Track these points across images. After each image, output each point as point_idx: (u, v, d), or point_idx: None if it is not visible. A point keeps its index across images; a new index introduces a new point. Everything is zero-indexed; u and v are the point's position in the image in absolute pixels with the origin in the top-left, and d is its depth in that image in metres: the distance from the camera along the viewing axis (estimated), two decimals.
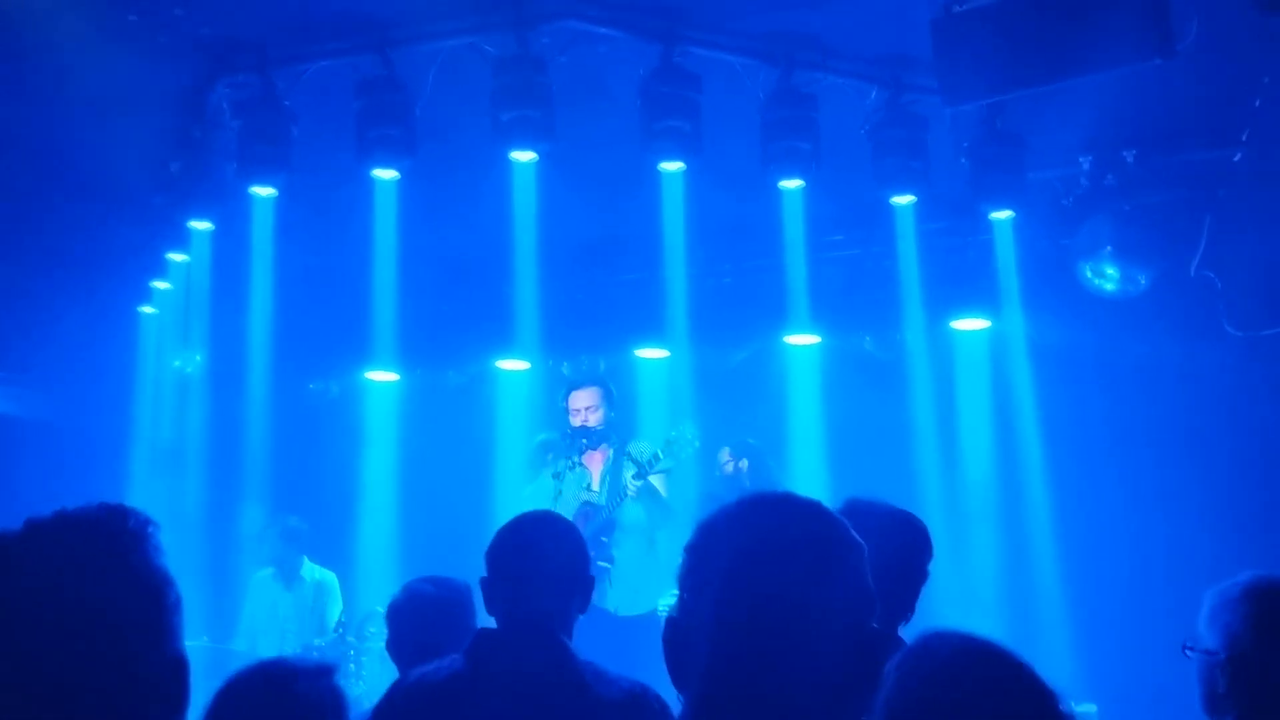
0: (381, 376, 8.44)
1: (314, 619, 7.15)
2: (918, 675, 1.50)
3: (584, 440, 6.18)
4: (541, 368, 8.38)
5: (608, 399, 6.34)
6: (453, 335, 8.43)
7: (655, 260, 7.15)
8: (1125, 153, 6.60)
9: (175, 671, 1.39)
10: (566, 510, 5.97)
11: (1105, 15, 4.55)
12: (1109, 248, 6.61)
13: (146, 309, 7.69)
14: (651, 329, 7.78)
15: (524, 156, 5.77)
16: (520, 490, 6.82)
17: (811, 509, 1.45)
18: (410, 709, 2.65)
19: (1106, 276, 6.67)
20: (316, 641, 6.67)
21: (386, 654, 3.65)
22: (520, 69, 5.35)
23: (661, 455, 5.96)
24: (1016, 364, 7.26)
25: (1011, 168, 6.08)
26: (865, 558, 1.43)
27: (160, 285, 7.32)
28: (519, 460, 7.48)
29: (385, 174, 5.99)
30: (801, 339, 7.75)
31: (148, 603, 1.37)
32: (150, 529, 1.40)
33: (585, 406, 6.27)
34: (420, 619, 3.47)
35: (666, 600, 6.03)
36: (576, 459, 6.14)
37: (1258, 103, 5.97)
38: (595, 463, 6.26)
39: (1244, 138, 6.35)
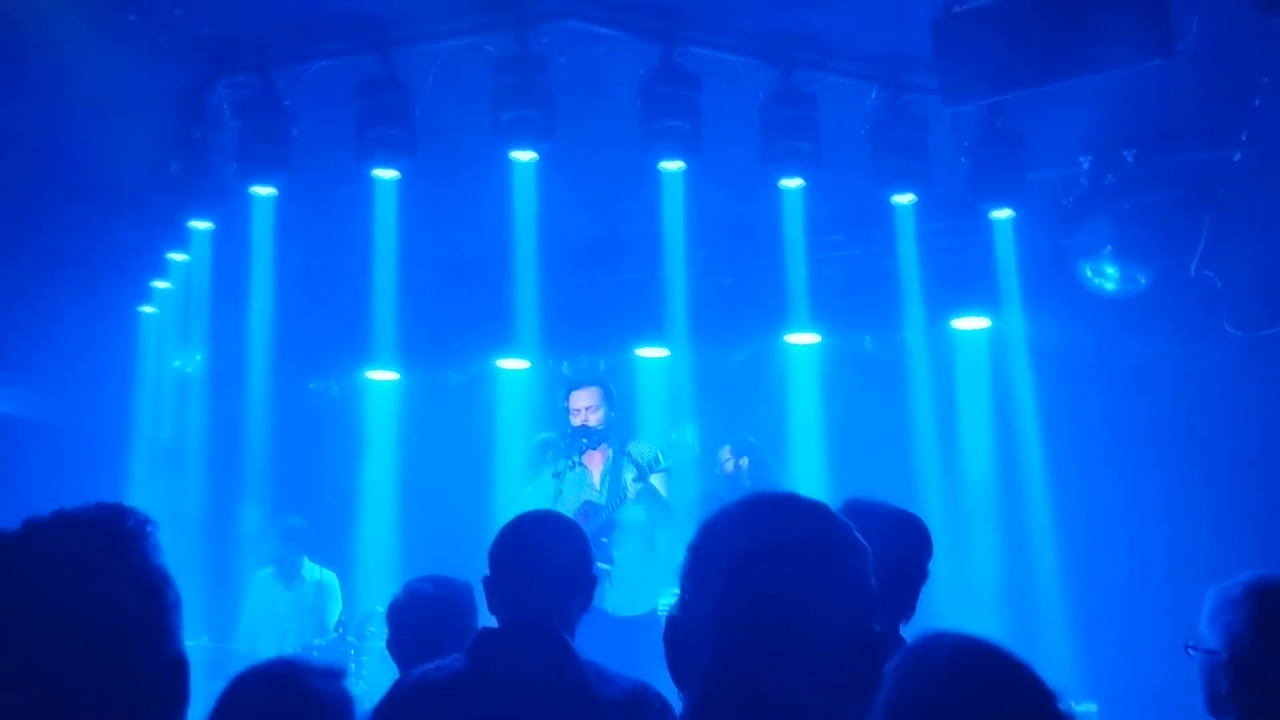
0: (381, 376, 8.44)
1: (314, 618, 7.15)
2: (917, 676, 1.50)
3: (584, 440, 6.19)
4: (541, 367, 8.39)
5: (608, 399, 6.34)
6: (453, 335, 8.43)
7: (655, 260, 7.15)
8: (1125, 152, 6.60)
9: (175, 671, 1.39)
10: (567, 510, 5.97)
11: (1105, 15, 4.55)
12: (1109, 247, 6.62)
13: (146, 309, 7.69)
14: (651, 328, 7.79)
15: (524, 156, 5.77)
16: (520, 490, 6.82)
17: (814, 509, 1.45)
18: (411, 708, 2.65)
19: (1106, 276, 6.68)
20: (317, 641, 6.66)
21: (386, 654, 3.65)
22: (520, 69, 5.35)
23: (662, 457, 5.96)
24: (1016, 363, 7.26)
25: (1011, 167, 6.08)
26: (868, 559, 1.42)
27: (160, 285, 7.32)
28: (519, 460, 7.48)
29: (385, 174, 5.99)
30: (802, 338, 7.75)
31: (147, 602, 1.37)
32: (149, 528, 1.40)
33: (586, 406, 6.27)
34: (421, 618, 3.47)
35: (666, 600, 6.03)
36: (577, 459, 6.14)
37: (1257, 102, 5.97)
38: (595, 462, 6.26)
39: (1244, 137, 6.35)
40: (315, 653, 6.27)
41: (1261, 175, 6.36)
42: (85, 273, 7.27)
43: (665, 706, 2.50)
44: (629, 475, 5.96)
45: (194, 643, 6.04)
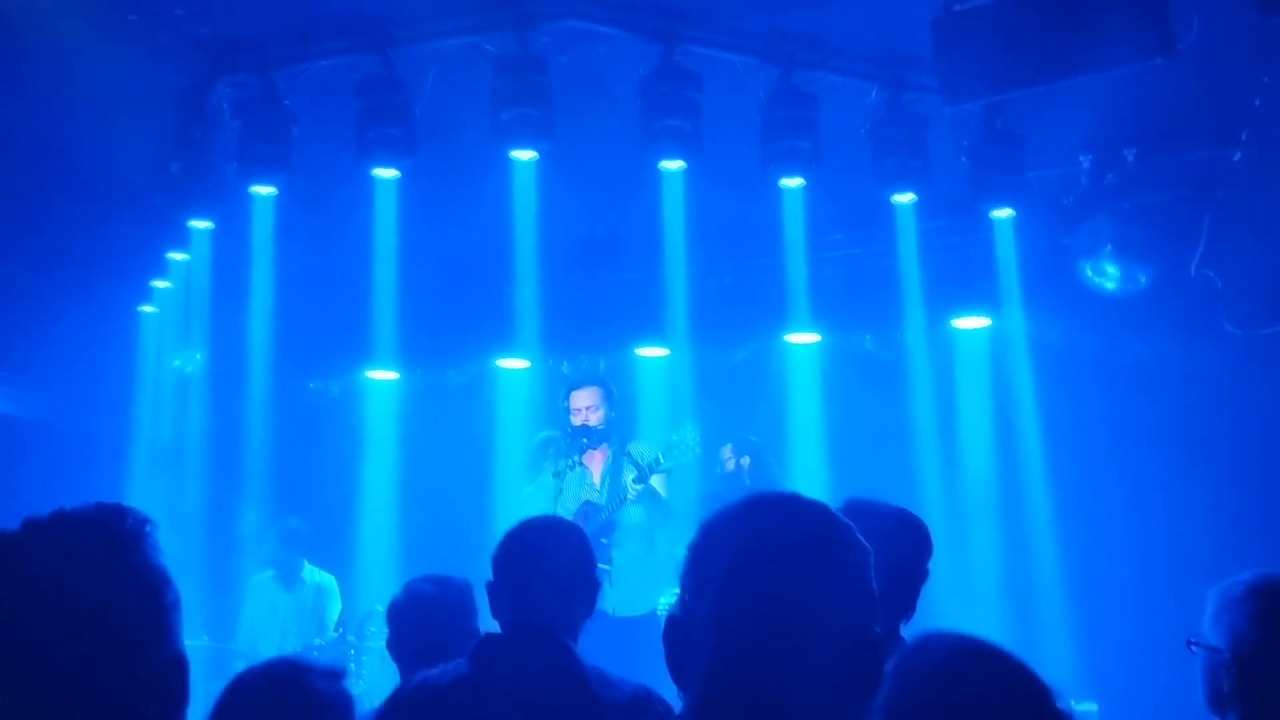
0: (381, 375, 8.44)
1: (314, 620, 7.14)
2: (916, 676, 1.50)
3: (584, 440, 6.18)
4: (541, 367, 8.39)
5: (608, 399, 6.34)
6: (453, 334, 8.43)
7: (655, 259, 7.15)
8: (1125, 152, 6.60)
9: (175, 671, 1.39)
10: (566, 509, 5.98)
11: (1105, 15, 4.55)
12: (1109, 246, 6.62)
13: (146, 308, 7.69)
14: (651, 328, 7.79)
15: (524, 155, 5.78)
16: (520, 490, 6.81)
17: (814, 509, 1.44)
18: (414, 713, 2.64)
19: (1107, 275, 6.68)
20: (317, 641, 6.66)
21: (386, 653, 3.64)
22: (521, 68, 5.35)
23: (662, 458, 5.95)
24: (1017, 363, 7.26)
25: (1012, 167, 6.08)
26: (869, 560, 1.42)
27: (160, 285, 7.32)
28: (519, 459, 7.48)
29: (385, 174, 6.00)
30: (802, 338, 7.75)
31: (147, 602, 1.37)
32: (148, 528, 1.40)
33: (586, 406, 6.27)
34: (420, 618, 3.47)
35: (666, 600, 6.03)
36: (577, 458, 6.14)
37: (1258, 102, 5.97)
38: (596, 462, 6.26)
39: (1244, 137, 6.35)
40: (315, 653, 6.27)
41: (1262, 175, 6.35)
42: (85, 273, 7.27)
43: (668, 711, 2.50)
44: (629, 475, 5.96)
45: (194, 643, 6.06)
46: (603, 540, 5.95)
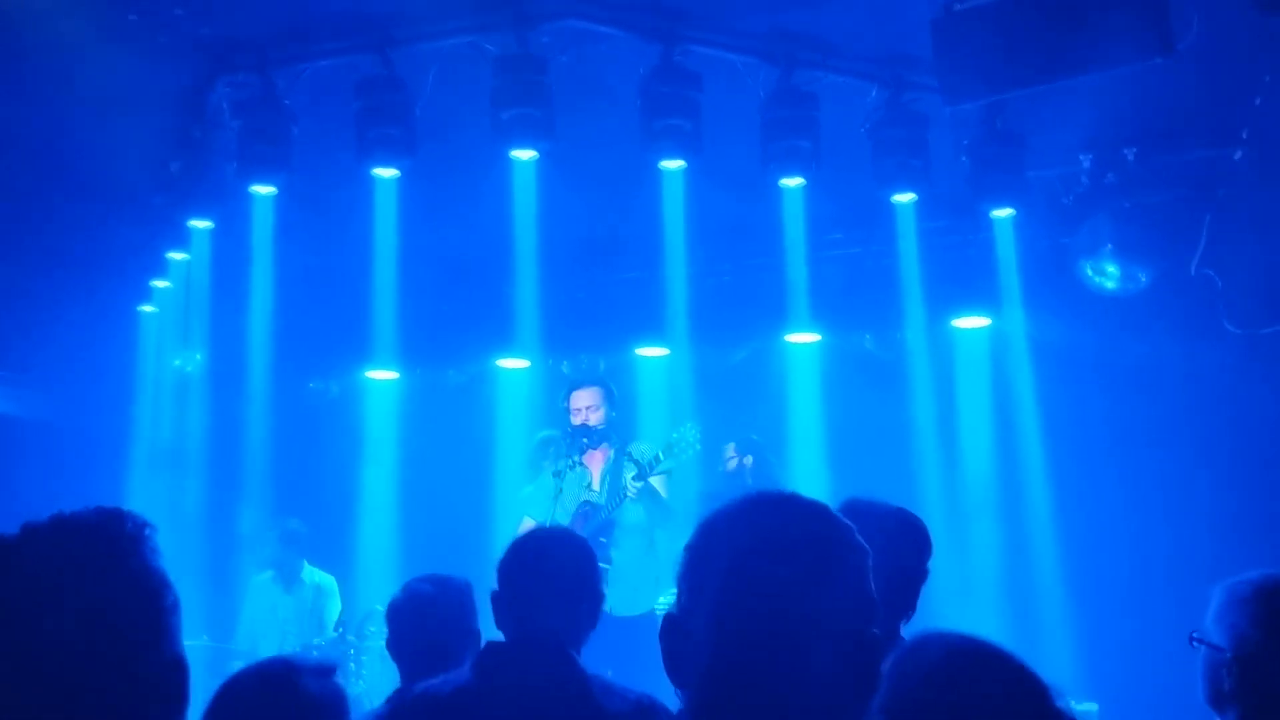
0: (381, 376, 8.44)
1: (313, 621, 7.14)
2: (914, 676, 1.50)
3: (585, 439, 6.17)
4: (541, 366, 8.39)
5: (609, 399, 6.33)
6: (453, 334, 8.43)
7: (655, 259, 7.15)
8: (1126, 151, 6.60)
9: (175, 673, 1.39)
10: (566, 509, 5.97)
11: (1106, 14, 4.55)
12: (1109, 246, 6.62)
13: (146, 308, 7.69)
14: (651, 327, 7.79)
15: (524, 155, 5.77)
16: (520, 490, 6.81)
17: (813, 509, 1.44)
18: None
19: (1107, 275, 6.68)
20: (316, 641, 6.66)
21: (386, 653, 3.65)
22: (521, 68, 5.35)
23: (662, 457, 5.94)
24: (1017, 362, 7.26)
25: (1012, 166, 6.08)
26: (868, 561, 1.41)
27: (160, 284, 7.32)
28: (519, 459, 7.48)
29: (385, 173, 6.00)
30: (802, 337, 7.75)
31: (146, 605, 1.37)
32: (147, 531, 1.40)
33: (586, 406, 6.26)
34: (420, 619, 3.47)
35: (665, 599, 6.02)
36: (577, 458, 6.13)
37: (1258, 101, 5.97)
38: (596, 462, 6.25)
39: (1244, 136, 6.35)
40: (315, 652, 6.27)
41: (1262, 174, 6.35)
42: (85, 273, 7.27)
43: (670, 717, 2.50)
44: (629, 474, 5.96)
45: (194, 643, 6.06)
46: (602, 539, 5.95)
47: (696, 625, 1.39)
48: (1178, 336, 6.71)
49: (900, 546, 2.72)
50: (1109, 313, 6.81)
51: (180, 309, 7.48)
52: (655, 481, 6.00)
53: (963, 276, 7.23)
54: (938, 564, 2.86)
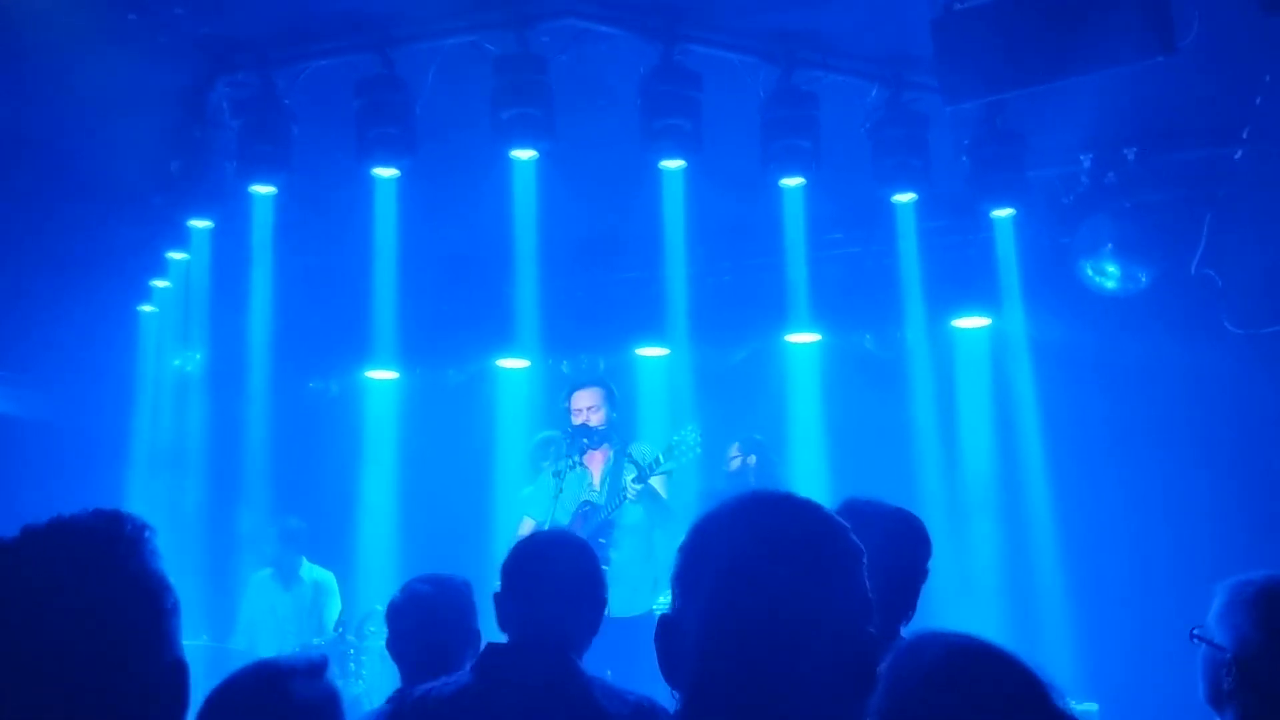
0: (381, 375, 8.44)
1: (312, 619, 7.14)
2: (914, 676, 1.49)
3: (585, 440, 6.17)
4: (541, 366, 8.39)
5: (609, 399, 6.33)
6: (453, 334, 8.42)
7: (655, 259, 7.15)
8: (1126, 150, 6.60)
9: (175, 675, 1.39)
10: (566, 509, 5.97)
11: (1106, 13, 4.55)
12: (1110, 245, 6.61)
13: (146, 308, 7.69)
14: (651, 327, 7.79)
15: (524, 155, 5.77)
16: (520, 490, 6.81)
17: (808, 509, 1.43)
18: None
19: (1107, 274, 6.67)
20: (316, 640, 6.66)
21: (386, 653, 3.65)
22: (520, 67, 5.35)
23: (663, 458, 5.94)
24: (1017, 362, 7.26)
25: (1012, 166, 6.07)
26: (863, 561, 1.41)
27: (160, 284, 7.32)
28: (519, 459, 7.48)
29: (385, 172, 5.99)
30: (802, 337, 7.75)
31: (146, 608, 1.37)
32: (146, 534, 1.39)
33: (587, 406, 6.26)
34: (420, 619, 3.47)
35: (664, 600, 6.02)
36: (577, 458, 6.13)
37: (1259, 101, 5.97)
38: (596, 463, 6.25)
39: (1245, 135, 6.34)
40: (313, 652, 6.26)
41: (1262, 174, 6.35)
42: (85, 273, 7.27)
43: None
44: (629, 475, 5.95)
45: (193, 642, 6.06)
46: (601, 540, 5.95)
47: (691, 626, 1.39)
48: (1178, 336, 6.71)
49: (900, 547, 2.72)
50: (1109, 313, 6.81)
51: (180, 309, 7.47)
52: (655, 482, 6.00)
53: (963, 276, 7.23)
54: (938, 564, 2.86)
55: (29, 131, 6.04)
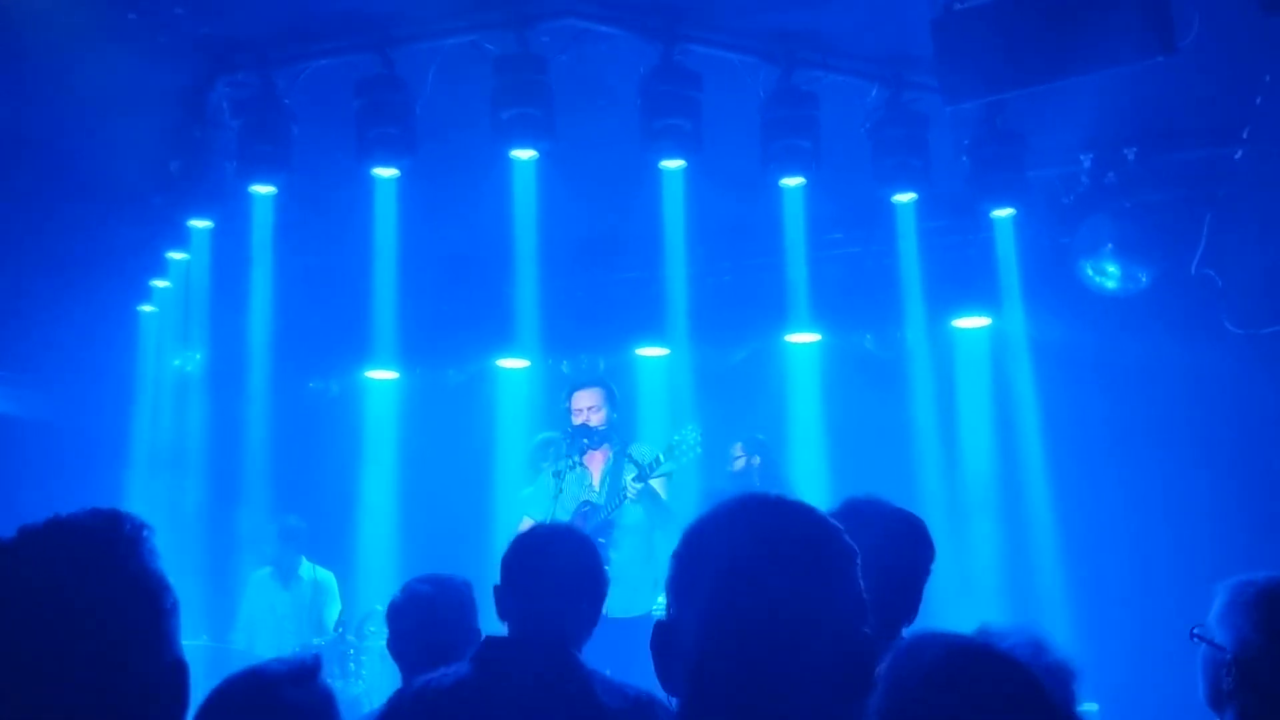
0: (381, 375, 8.44)
1: (312, 618, 7.14)
2: (914, 677, 1.49)
3: (585, 440, 6.17)
4: (541, 366, 8.39)
5: (610, 400, 6.33)
6: (453, 334, 8.42)
7: (655, 258, 7.15)
8: (1126, 150, 6.60)
9: (175, 676, 1.39)
10: (566, 509, 5.97)
11: (1106, 13, 4.54)
12: (1110, 245, 6.61)
13: (146, 308, 7.69)
14: (651, 327, 7.79)
15: (524, 155, 5.77)
16: (520, 491, 6.81)
17: (801, 511, 1.43)
18: (416, 715, 2.64)
19: (1107, 274, 6.67)
20: (315, 640, 6.66)
21: (386, 653, 3.65)
22: (520, 67, 5.35)
23: (663, 459, 5.94)
24: (1017, 362, 7.25)
25: (1012, 166, 6.07)
26: (857, 561, 1.41)
27: (160, 284, 7.32)
28: (519, 459, 7.48)
29: (385, 172, 5.99)
30: (802, 337, 7.75)
31: (145, 608, 1.36)
32: (145, 533, 1.39)
33: (588, 406, 6.26)
34: (420, 619, 3.47)
35: (663, 600, 6.01)
36: (578, 459, 6.13)
37: (1259, 100, 5.97)
38: (596, 463, 6.25)
39: (1245, 135, 6.34)
40: (314, 652, 6.25)
41: (1263, 173, 6.35)
42: (85, 273, 7.27)
43: (669, 716, 2.50)
44: (629, 476, 5.95)
45: (193, 642, 6.05)
46: (601, 540, 5.94)
47: (689, 629, 1.38)
48: (1178, 336, 6.71)
49: (900, 547, 2.71)
50: (1109, 313, 6.81)
51: (180, 309, 7.47)
52: (655, 483, 6.00)
53: (963, 276, 7.23)
54: (938, 564, 2.85)
55: (29, 131, 6.04)
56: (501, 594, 2.76)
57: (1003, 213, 6.51)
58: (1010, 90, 5.09)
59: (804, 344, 7.80)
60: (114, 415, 7.88)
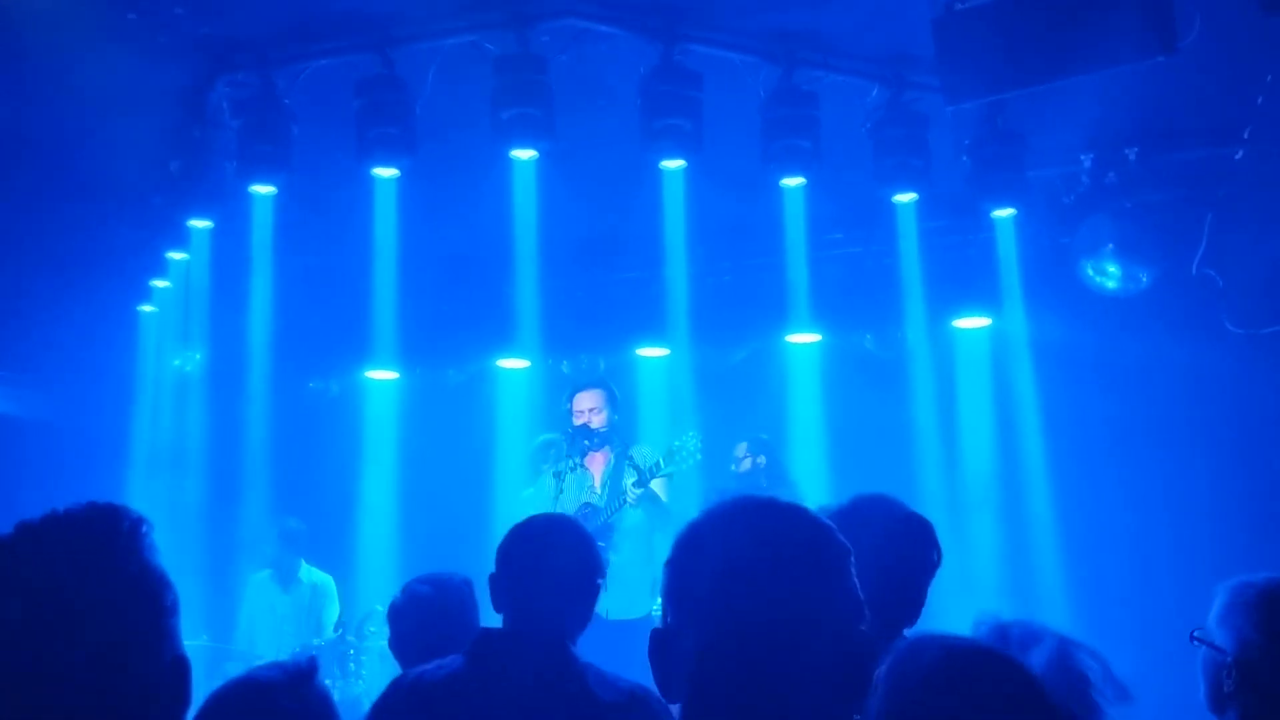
0: (381, 375, 8.44)
1: (311, 621, 7.14)
2: (914, 679, 1.49)
3: (586, 441, 6.17)
4: (541, 366, 8.38)
5: (611, 401, 6.33)
6: (453, 334, 8.42)
7: (656, 258, 7.15)
8: (1127, 150, 6.60)
9: (176, 673, 1.38)
10: (566, 510, 5.96)
11: (1107, 13, 4.54)
12: (1110, 245, 6.61)
13: (146, 308, 7.69)
14: (652, 327, 7.78)
15: (524, 154, 5.77)
16: (520, 492, 6.81)
17: (795, 513, 1.43)
18: (410, 707, 2.64)
19: (1108, 274, 6.67)
20: (316, 641, 6.66)
21: (387, 653, 3.65)
22: (520, 67, 5.35)
23: (663, 462, 5.94)
24: (1018, 362, 7.25)
25: (1012, 166, 6.07)
26: (851, 560, 1.41)
27: (160, 284, 7.31)
28: (519, 459, 7.48)
29: (385, 172, 5.99)
30: (802, 337, 7.75)
31: (145, 605, 1.36)
32: (144, 528, 1.38)
33: (589, 408, 6.26)
34: (421, 619, 3.47)
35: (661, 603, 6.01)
36: (578, 460, 6.13)
37: (1260, 100, 5.97)
38: (597, 464, 6.25)
39: (1246, 135, 6.34)
40: (314, 653, 6.25)
41: (1263, 174, 6.35)
42: (85, 273, 7.26)
43: (664, 709, 2.49)
44: (629, 479, 5.95)
45: (193, 643, 6.05)
46: (600, 543, 5.94)
47: (687, 633, 1.38)
48: (1178, 336, 6.70)
49: (901, 547, 2.70)
50: (1109, 313, 6.80)
51: (180, 309, 7.47)
52: (656, 484, 6.00)
53: (963, 276, 7.23)
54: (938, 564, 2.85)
55: (29, 131, 6.03)
56: (497, 583, 2.74)
57: (1003, 213, 6.51)
58: (1011, 90, 5.08)
59: (804, 344, 7.80)
60: (114, 415, 7.88)
